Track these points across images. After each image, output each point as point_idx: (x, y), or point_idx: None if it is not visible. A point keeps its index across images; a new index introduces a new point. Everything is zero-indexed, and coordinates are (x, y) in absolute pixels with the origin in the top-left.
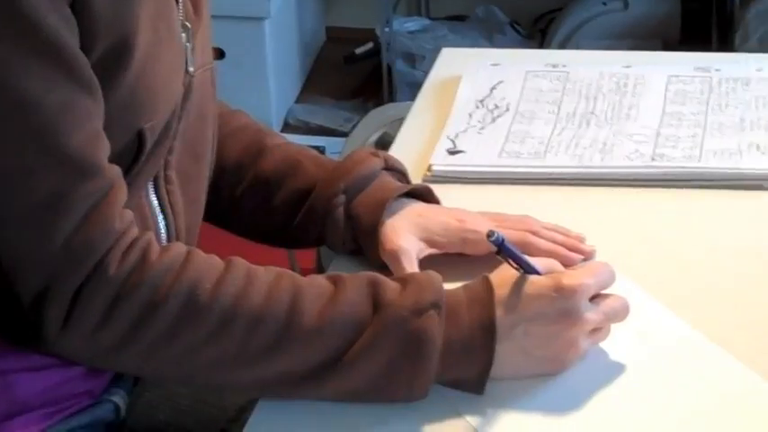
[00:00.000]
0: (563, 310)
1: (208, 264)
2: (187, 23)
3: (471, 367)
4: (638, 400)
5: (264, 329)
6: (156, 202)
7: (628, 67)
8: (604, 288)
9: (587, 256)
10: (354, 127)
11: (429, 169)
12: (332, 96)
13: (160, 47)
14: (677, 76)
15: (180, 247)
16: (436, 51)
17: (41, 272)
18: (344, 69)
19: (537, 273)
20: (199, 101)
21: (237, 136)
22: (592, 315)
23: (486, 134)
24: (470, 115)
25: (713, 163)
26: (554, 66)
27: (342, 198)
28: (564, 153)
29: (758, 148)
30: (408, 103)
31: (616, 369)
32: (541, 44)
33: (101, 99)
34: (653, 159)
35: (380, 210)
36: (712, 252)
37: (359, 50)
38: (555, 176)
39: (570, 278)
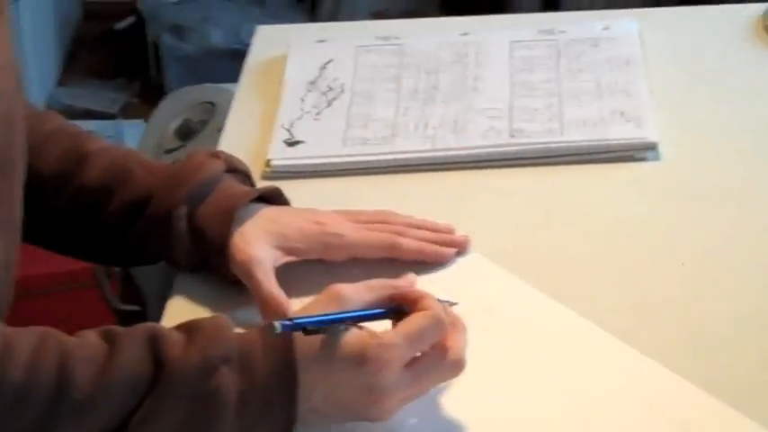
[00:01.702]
0: (367, 386)
1: None
2: None
3: (273, 425)
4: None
5: (30, 407)
6: None
7: (465, 34)
8: (426, 347)
9: (461, 247)
10: (124, 108)
11: (268, 164)
12: (96, 77)
13: None
14: (520, 41)
15: None
16: (206, 21)
17: None
18: (106, 47)
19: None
20: (3, 107)
21: (52, 141)
22: (401, 390)
23: (324, 120)
24: (303, 100)
25: (577, 135)
26: (385, 39)
27: (183, 209)
28: (414, 135)
29: (622, 114)
30: (207, 85)
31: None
32: (312, 5)
33: None
34: (511, 136)
35: (228, 219)
36: (586, 230)
37: (119, 25)
38: (408, 162)
39: (377, 348)
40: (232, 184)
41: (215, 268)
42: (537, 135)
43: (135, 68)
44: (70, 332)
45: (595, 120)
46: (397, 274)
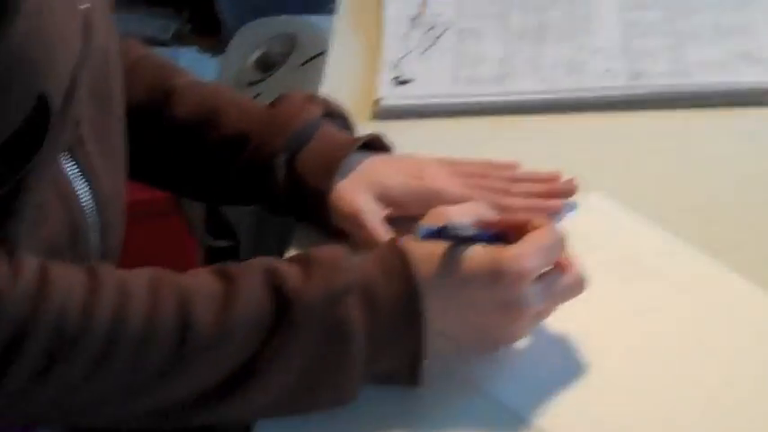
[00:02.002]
0: (504, 301)
1: (69, 281)
2: None
3: (401, 355)
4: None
5: (154, 351)
6: (72, 171)
7: None
8: (553, 261)
9: (570, 193)
10: (176, 35)
11: (376, 104)
12: (144, 3)
13: None
14: None
15: (31, 264)
16: None
17: None
18: None
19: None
20: (100, 39)
21: (138, 72)
22: (537, 303)
23: (432, 58)
24: (407, 36)
25: (704, 78)
26: None
27: (282, 158)
28: (527, 76)
29: (748, 56)
30: (283, 17)
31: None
32: None
33: None
34: (631, 78)
35: (331, 170)
36: (713, 176)
37: None
38: (522, 104)
39: (512, 261)
40: (332, 131)
41: (316, 218)
42: (661, 77)
43: None
44: (151, 261)
45: (721, 61)
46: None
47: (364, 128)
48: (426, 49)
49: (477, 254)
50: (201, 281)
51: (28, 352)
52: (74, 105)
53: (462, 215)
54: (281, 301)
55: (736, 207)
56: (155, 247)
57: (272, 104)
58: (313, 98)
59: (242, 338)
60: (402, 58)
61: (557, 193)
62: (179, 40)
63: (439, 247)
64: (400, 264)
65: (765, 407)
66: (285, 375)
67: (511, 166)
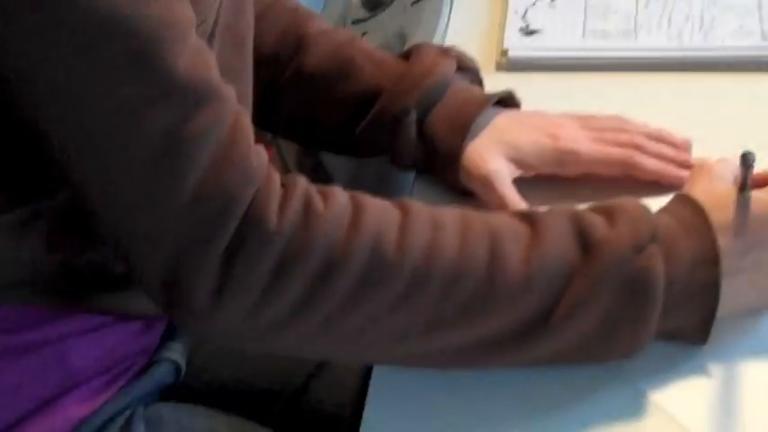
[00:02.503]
0: None
1: (383, 210)
2: None
3: (694, 311)
4: None
5: (464, 285)
6: None
7: None
8: None
9: None
10: None
11: (504, 54)
12: None
13: None
14: None
15: (342, 192)
16: None
17: (173, 236)
18: None
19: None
20: None
21: (271, 17)
22: None
23: (560, 8)
24: None
25: None
26: None
27: (413, 115)
28: (658, 31)
29: None
30: None
31: None
32: None
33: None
34: (764, 39)
35: (462, 130)
36: None
37: None
38: (653, 60)
39: None
40: (464, 88)
41: (443, 177)
42: None
43: None
44: None
45: None
46: (630, 192)
47: (490, 79)
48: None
49: (763, 194)
50: (508, 221)
51: (344, 275)
52: (214, 46)
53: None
54: (588, 246)
55: None
56: None
57: (406, 57)
58: (446, 52)
59: (548, 279)
60: (530, 6)
61: (689, 165)
62: None
63: (721, 192)
64: (699, 221)
65: None
66: (586, 321)
67: (643, 125)
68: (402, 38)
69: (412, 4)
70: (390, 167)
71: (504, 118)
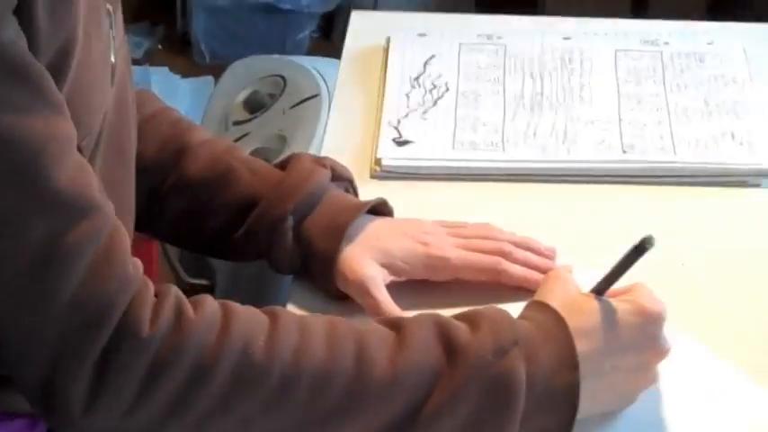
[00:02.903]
0: (652, 337)
1: (252, 316)
2: (109, 7)
3: (555, 413)
4: None
5: (332, 387)
6: None
7: (568, 39)
8: None
9: None
10: (147, 54)
11: (378, 164)
12: None
13: (89, 48)
14: (625, 50)
15: (212, 300)
16: None
17: (48, 343)
18: None
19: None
20: (119, 91)
21: (152, 127)
22: (669, 342)
23: (432, 120)
24: (408, 96)
25: (691, 157)
26: (488, 37)
27: (290, 221)
28: (524, 144)
29: (733, 137)
30: (274, 56)
31: None
32: None
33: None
34: (624, 152)
35: (337, 236)
36: (704, 253)
37: None
38: (519, 172)
39: (651, 302)
40: (338, 196)
41: (320, 281)
42: (650, 152)
43: (157, 14)
44: None
45: (706, 140)
46: (499, 296)
47: (365, 186)
48: (426, 111)
49: (620, 303)
50: (374, 327)
51: (214, 379)
52: (96, 160)
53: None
54: (451, 351)
55: (715, 284)
56: None
57: (283, 166)
58: (321, 161)
59: (413, 383)
60: (402, 118)
61: None
62: (150, 59)
63: (576, 299)
64: (558, 326)
65: None
66: (451, 424)
67: (509, 233)
68: (282, 139)
69: (291, 107)
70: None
71: (376, 225)
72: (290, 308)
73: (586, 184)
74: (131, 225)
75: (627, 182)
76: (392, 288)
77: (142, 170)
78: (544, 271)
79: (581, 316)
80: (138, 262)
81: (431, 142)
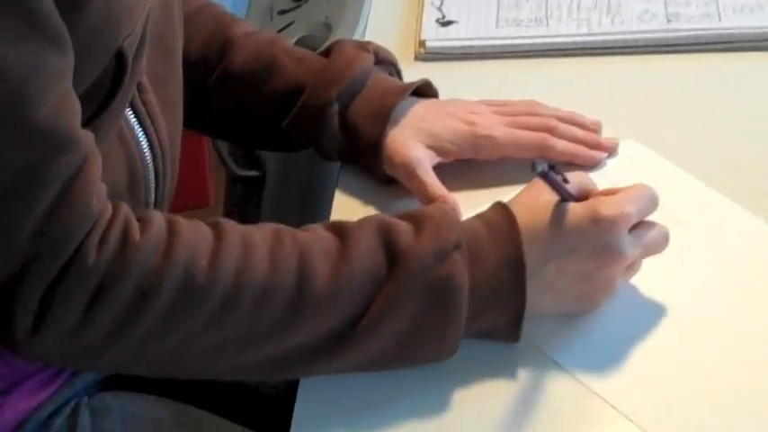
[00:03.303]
0: (601, 245)
1: (196, 235)
2: None
3: (502, 312)
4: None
5: (274, 302)
6: (132, 118)
7: None
8: (646, 216)
9: (610, 151)
10: None
11: (422, 45)
12: None
13: None
14: None
15: (159, 219)
16: None
17: (6, 266)
18: None
19: (573, 199)
20: None
21: (196, 22)
22: (631, 250)
23: None
24: None
25: (736, 22)
26: None
27: (336, 107)
28: (568, 17)
29: None
30: None
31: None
32: None
33: (71, 51)
34: (668, 21)
35: (383, 119)
36: (746, 123)
37: None
38: (564, 47)
39: (609, 207)
40: (383, 79)
41: (367, 165)
42: (695, 20)
43: None
44: (179, 179)
45: (752, 5)
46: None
47: (409, 69)
48: None
49: (575, 206)
50: (319, 236)
51: (157, 300)
52: (142, 58)
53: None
54: (393, 255)
55: (758, 153)
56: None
57: (326, 53)
58: (364, 46)
59: (355, 291)
60: None
61: (599, 145)
62: None
63: (540, 201)
64: (508, 227)
65: None
66: (393, 329)
67: (554, 108)
68: (327, 27)
69: None
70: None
71: (422, 107)
72: (338, 195)
73: (631, 55)
74: (180, 121)
75: (672, 50)
76: (440, 169)
77: (188, 66)
78: (591, 145)
79: (533, 217)
80: (104, 190)
81: (474, 21)
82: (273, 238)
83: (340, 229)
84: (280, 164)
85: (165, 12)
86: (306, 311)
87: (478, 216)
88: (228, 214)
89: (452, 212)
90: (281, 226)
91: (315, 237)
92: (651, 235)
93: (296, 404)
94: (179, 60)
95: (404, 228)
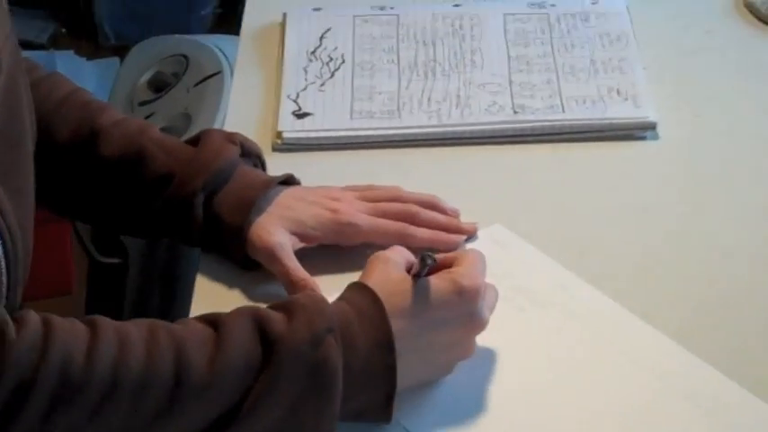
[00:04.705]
0: (468, 314)
1: (72, 332)
2: None
3: (374, 392)
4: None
5: (152, 394)
6: None
7: (458, 5)
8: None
9: (470, 234)
10: (52, 38)
11: (279, 137)
12: (18, 5)
13: None
14: (513, 14)
15: (34, 317)
16: None
17: None
18: None
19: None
20: (6, 83)
21: (63, 112)
22: (487, 314)
23: (329, 91)
24: (305, 70)
25: (578, 113)
26: (381, 8)
27: (201, 197)
28: (419, 110)
29: (618, 93)
30: (176, 36)
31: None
32: None
33: None
34: (515, 112)
35: (247, 209)
36: (591, 207)
37: None
38: (415, 137)
39: (468, 279)
40: (248, 172)
41: (230, 252)
42: (540, 112)
43: None
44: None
45: (594, 97)
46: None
47: (267, 159)
48: (324, 83)
49: (436, 281)
50: (193, 328)
51: (34, 398)
52: None
53: (401, 257)
54: (268, 343)
55: (610, 237)
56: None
57: (194, 142)
58: (231, 137)
59: (232, 380)
60: (301, 91)
61: (459, 230)
62: (55, 43)
63: (394, 278)
64: (375, 308)
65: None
66: (270, 417)
67: (416, 193)
68: (187, 118)
69: (195, 85)
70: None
71: (286, 195)
72: (200, 280)
73: (481, 145)
74: (31, 206)
75: (519, 141)
76: (304, 253)
77: (57, 154)
78: (451, 229)
79: (397, 296)
80: None
81: (329, 113)
82: (148, 332)
83: (214, 321)
84: (142, 250)
85: (8, 102)
86: (185, 402)
87: (344, 299)
88: (90, 301)
89: (322, 299)
90: (156, 320)
91: (189, 329)
92: (493, 296)
93: None
94: (28, 149)
95: (276, 317)
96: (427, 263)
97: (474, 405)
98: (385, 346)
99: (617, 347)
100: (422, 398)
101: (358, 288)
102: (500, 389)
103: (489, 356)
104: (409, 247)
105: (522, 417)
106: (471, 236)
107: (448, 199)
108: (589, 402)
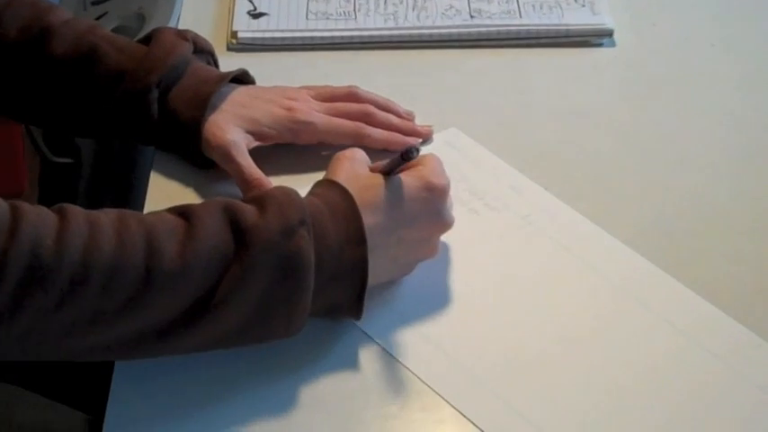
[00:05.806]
0: (437, 211)
1: (40, 216)
2: None
3: (346, 287)
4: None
5: (122, 280)
6: None
7: None
8: None
9: (425, 137)
10: None
11: (234, 36)
12: None
13: None
14: None
15: (2, 203)
16: None
17: None
18: None
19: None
20: None
21: (11, 11)
22: (453, 215)
23: None
24: None
25: (535, 18)
26: None
27: (155, 93)
28: (375, 12)
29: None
30: None
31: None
32: None
33: None
34: (471, 16)
35: (202, 105)
36: (546, 112)
37: None
38: (372, 39)
39: (437, 177)
40: (201, 68)
41: (184, 149)
42: (496, 17)
43: None
44: None
45: (551, 3)
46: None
47: (222, 59)
48: None
49: (407, 177)
50: (163, 218)
51: (3, 281)
52: None
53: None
54: (240, 234)
55: (565, 142)
56: None
57: (146, 41)
58: (183, 34)
59: (203, 270)
60: None
61: (414, 132)
62: None
63: (362, 176)
64: (346, 203)
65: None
66: (242, 306)
67: (372, 94)
68: (140, 17)
69: None
70: (133, 143)
71: (241, 93)
72: (153, 181)
73: (437, 49)
74: None
75: (475, 45)
76: (258, 152)
77: (5, 54)
78: (406, 132)
79: (369, 191)
80: None
81: (285, 13)
82: (118, 220)
83: (185, 212)
84: (94, 150)
85: None
86: (155, 290)
87: (315, 194)
88: (43, 201)
89: (294, 192)
90: (125, 209)
91: (160, 218)
92: (451, 199)
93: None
94: None
95: (248, 208)
96: (412, 155)
97: (430, 307)
98: (357, 241)
99: (571, 251)
100: (379, 299)
101: (328, 184)
102: (455, 290)
103: (444, 258)
104: (364, 148)
105: (476, 317)
106: (427, 139)
107: (403, 102)
108: (541, 299)
